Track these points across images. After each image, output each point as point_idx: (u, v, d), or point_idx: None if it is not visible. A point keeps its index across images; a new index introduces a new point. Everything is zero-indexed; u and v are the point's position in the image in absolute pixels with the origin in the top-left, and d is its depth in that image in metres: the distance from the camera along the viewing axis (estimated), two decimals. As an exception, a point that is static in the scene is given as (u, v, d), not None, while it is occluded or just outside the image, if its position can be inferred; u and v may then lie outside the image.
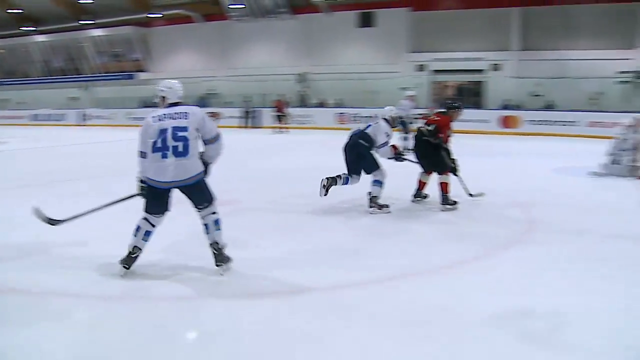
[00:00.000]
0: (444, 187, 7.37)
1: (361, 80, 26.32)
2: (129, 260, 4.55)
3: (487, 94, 26.43)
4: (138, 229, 4.56)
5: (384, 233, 6.23)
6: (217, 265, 4.64)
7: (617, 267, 4.99)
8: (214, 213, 4.64)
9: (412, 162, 7.81)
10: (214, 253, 4.64)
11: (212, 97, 29.69)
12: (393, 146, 7.53)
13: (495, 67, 26.13)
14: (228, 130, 22.41)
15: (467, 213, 7.31)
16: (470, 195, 7.76)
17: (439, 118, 7.59)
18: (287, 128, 22.67)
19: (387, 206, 7.21)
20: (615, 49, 24.27)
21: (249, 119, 25.68)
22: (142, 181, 4.62)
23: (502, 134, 20.93)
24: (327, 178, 7.13)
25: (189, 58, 32.41)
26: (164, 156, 4.41)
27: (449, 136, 7.55)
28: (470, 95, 27.05)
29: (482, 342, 3.47)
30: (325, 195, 7.11)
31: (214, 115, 15.81)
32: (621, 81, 23.68)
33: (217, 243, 4.64)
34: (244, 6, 29.38)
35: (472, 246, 5.65)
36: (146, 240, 4.58)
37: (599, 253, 5.49)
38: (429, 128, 7.49)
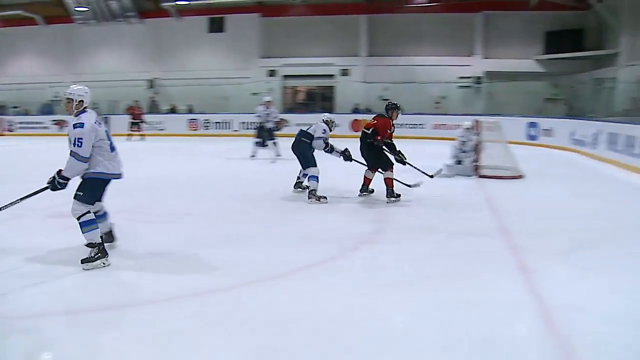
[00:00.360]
0: (388, 182, 8.33)
1: (213, 85, 26.12)
2: (104, 251, 5.01)
3: (337, 98, 27.21)
4: (89, 222, 4.95)
5: (242, 238, 6.21)
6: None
7: (466, 262, 5.31)
8: None
9: (358, 162, 8.92)
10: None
11: (58, 104, 27.88)
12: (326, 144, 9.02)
13: (345, 72, 26.97)
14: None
15: (323, 215, 7.52)
16: (430, 176, 9.57)
17: (375, 121, 8.55)
18: (142, 135, 21.95)
19: (324, 197, 8.30)
20: (457, 55, 26.03)
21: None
22: (64, 178, 4.90)
23: (353, 137, 21.54)
24: (295, 186, 9.02)
25: (33, 62, 30.23)
26: (116, 154, 5.14)
27: (391, 133, 8.62)
28: (321, 99, 27.82)
29: (333, 343, 3.55)
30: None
31: None
32: (461, 86, 25.49)
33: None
34: (87, 9, 28.09)
35: (327, 247, 5.77)
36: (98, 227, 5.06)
37: (448, 249, 5.80)
38: (368, 131, 8.46)
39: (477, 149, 11.14)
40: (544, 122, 19.01)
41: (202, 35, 28.40)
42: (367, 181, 8.74)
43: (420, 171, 9.36)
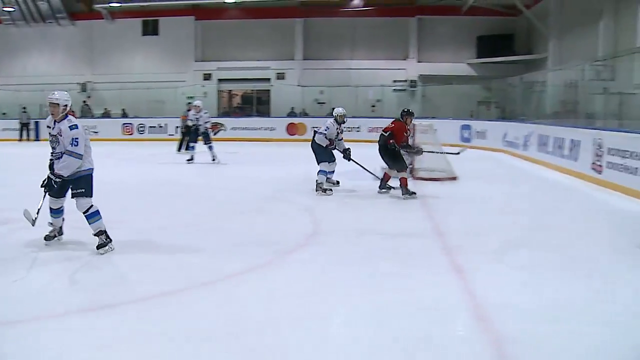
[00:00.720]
0: (403, 182, 8.84)
1: (147, 89, 25.68)
2: (109, 237, 5.64)
3: (273, 102, 27.17)
4: (95, 213, 5.58)
5: (175, 244, 6.08)
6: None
7: (401, 263, 5.35)
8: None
9: (356, 162, 10.00)
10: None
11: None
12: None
13: (281, 76, 26.99)
14: (2, 144, 20.84)
15: (253, 219, 7.49)
16: (457, 153, 10.61)
17: (393, 125, 9.10)
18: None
19: (331, 190, 9.26)
20: (392, 59, 26.42)
21: (27, 131, 23.77)
22: (59, 177, 5.42)
23: (289, 141, 21.66)
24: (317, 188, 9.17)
25: (-43, 65, 29.07)
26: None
27: (408, 137, 9.41)
28: (257, 103, 27.78)
29: (275, 349, 3.52)
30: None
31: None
32: (396, 89, 25.86)
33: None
34: (14, 9, 27.16)
35: (262, 251, 5.73)
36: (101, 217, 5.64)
37: (383, 251, 5.84)
38: (386, 134, 8.99)
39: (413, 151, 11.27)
40: (477, 125, 19.47)
41: (136, 38, 27.99)
42: (386, 177, 9.40)
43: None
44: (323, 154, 9.46)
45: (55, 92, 5.57)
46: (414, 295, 4.42)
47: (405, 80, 26.32)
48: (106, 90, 27.08)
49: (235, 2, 25.02)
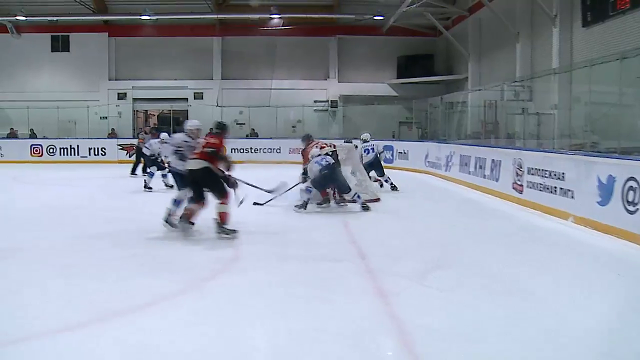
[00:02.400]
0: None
1: (57, 108, 24.88)
2: None
3: (191, 122, 26.67)
4: None
5: (88, 270, 5.85)
6: None
7: (322, 288, 5.26)
8: None
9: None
10: None
11: None
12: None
13: (199, 96, 26.79)
14: None
15: (179, 245, 7.25)
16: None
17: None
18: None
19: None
20: (312, 79, 26.67)
21: None
22: None
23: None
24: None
25: None
26: None
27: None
28: (174, 124, 27.20)
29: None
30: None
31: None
32: (317, 109, 26.15)
33: None
34: None
35: (181, 278, 5.58)
36: None
37: (304, 276, 5.76)
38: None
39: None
40: (399, 145, 19.76)
41: (44, 54, 27.11)
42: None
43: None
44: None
45: None
46: (336, 322, 4.36)
47: (327, 101, 26.59)
48: (11, 108, 25.88)
49: (150, 19, 24.63)
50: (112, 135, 25.46)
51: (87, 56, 26.82)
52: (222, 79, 26.88)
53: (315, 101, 26.30)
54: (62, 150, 23.25)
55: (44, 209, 10.42)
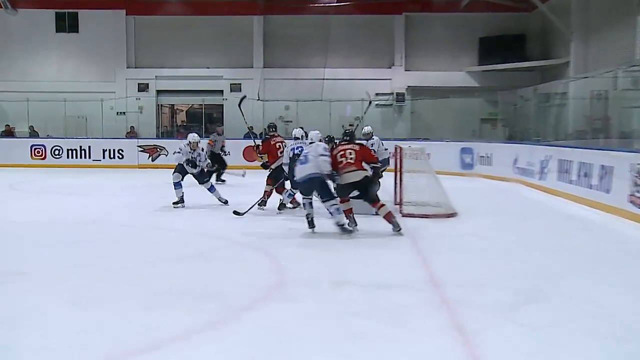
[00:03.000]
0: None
1: (64, 102, 25.44)
2: None
3: (227, 119, 26.71)
4: None
5: (94, 298, 5.87)
6: None
7: (386, 322, 5.17)
8: None
9: None
10: None
11: None
12: None
13: (236, 87, 26.82)
14: None
15: (207, 266, 7.30)
16: None
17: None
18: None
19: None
20: (373, 67, 26.74)
21: None
22: None
23: (246, 168, 21.39)
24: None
25: None
26: None
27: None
28: (207, 121, 27.36)
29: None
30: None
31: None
32: (379, 104, 25.75)
33: None
34: None
35: (212, 307, 5.57)
36: None
37: (363, 306, 5.66)
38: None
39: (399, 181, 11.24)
40: (480, 148, 19.48)
41: (47, 35, 27.52)
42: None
43: None
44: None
45: None
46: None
47: (391, 94, 26.49)
48: (7, 101, 26.43)
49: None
50: (131, 134, 25.85)
51: (100, 38, 27.22)
52: (264, 68, 27.00)
53: (377, 94, 26.18)
54: (69, 152, 23.65)
55: (50, 225, 10.62)
